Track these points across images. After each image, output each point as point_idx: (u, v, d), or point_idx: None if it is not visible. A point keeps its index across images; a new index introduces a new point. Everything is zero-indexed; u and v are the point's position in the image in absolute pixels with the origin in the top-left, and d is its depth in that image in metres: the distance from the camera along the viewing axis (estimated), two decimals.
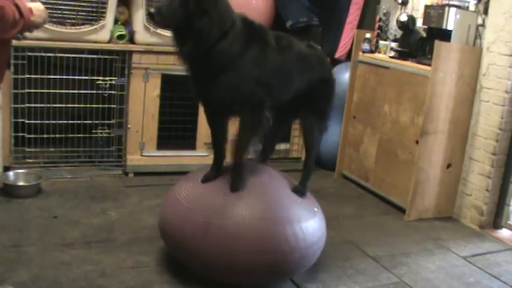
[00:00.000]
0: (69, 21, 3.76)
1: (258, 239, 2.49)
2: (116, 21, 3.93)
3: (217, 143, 2.78)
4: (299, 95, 2.78)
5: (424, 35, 4.03)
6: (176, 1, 2.33)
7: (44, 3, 3.56)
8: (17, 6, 1.94)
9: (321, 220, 2.79)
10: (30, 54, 3.71)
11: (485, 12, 3.75)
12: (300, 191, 2.79)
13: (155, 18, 2.38)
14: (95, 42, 3.85)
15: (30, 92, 3.79)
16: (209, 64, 2.46)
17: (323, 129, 3.00)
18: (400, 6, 4.40)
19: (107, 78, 3.95)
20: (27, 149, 3.87)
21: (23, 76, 3.72)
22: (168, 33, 3.18)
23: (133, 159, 4.14)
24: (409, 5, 4.34)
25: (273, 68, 2.58)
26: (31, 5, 2.04)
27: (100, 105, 4.00)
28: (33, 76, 3.76)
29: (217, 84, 2.49)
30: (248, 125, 2.60)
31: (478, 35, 3.82)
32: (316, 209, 2.79)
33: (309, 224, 2.64)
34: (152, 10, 2.36)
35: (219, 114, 2.69)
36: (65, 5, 3.71)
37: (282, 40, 2.68)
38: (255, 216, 2.52)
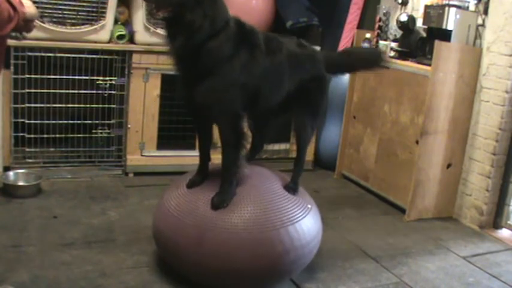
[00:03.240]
0: (69, 21, 3.76)
1: (252, 245, 2.47)
2: (116, 21, 3.92)
3: (202, 147, 2.75)
4: (291, 94, 2.74)
5: (424, 35, 4.03)
6: None
7: (44, 3, 3.63)
8: (9, 2, 1.94)
9: (315, 216, 2.76)
10: (30, 54, 3.71)
11: (485, 12, 3.75)
12: (292, 188, 2.77)
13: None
14: (95, 42, 3.86)
15: (30, 92, 3.79)
16: (197, 64, 2.42)
17: (315, 127, 2.99)
18: (400, 6, 4.40)
19: (107, 78, 3.96)
20: (27, 149, 3.87)
21: (23, 76, 3.72)
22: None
23: (133, 159, 4.14)
24: (409, 5, 4.34)
25: (262, 73, 2.54)
26: None
27: (100, 105, 4.01)
28: (33, 76, 3.76)
29: (201, 87, 2.44)
30: (227, 138, 2.55)
31: (478, 35, 3.82)
32: (309, 206, 2.76)
33: (303, 223, 2.62)
34: None
35: (203, 118, 2.66)
36: (65, 5, 3.71)
37: (272, 42, 2.64)
38: (248, 222, 2.49)
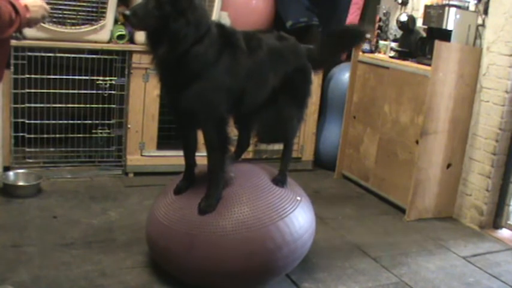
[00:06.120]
0: (69, 21, 3.76)
1: (242, 245, 2.47)
2: (116, 21, 3.93)
3: (187, 152, 2.75)
4: (275, 88, 2.73)
5: (424, 35, 4.03)
6: (151, 3, 2.28)
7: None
8: (12, 5, 1.94)
9: (306, 208, 2.73)
10: (30, 54, 3.71)
11: (485, 12, 3.75)
12: (280, 181, 2.76)
13: (131, 21, 2.32)
14: (95, 42, 3.85)
15: (30, 92, 3.79)
16: (182, 70, 2.41)
17: (301, 118, 2.98)
18: (400, 6, 4.41)
19: (107, 78, 3.96)
20: (27, 149, 3.87)
21: (23, 76, 3.72)
22: None
23: (133, 159, 4.14)
24: (409, 5, 4.34)
25: (245, 73, 2.55)
26: (27, 1, 2.04)
27: (100, 105, 4.01)
28: (33, 76, 3.76)
29: (187, 93, 2.44)
30: (212, 142, 2.55)
31: (478, 35, 3.82)
32: (298, 198, 2.73)
33: (293, 216, 2.60)
34: (127, 12, 2.30)
35: (188, 123, 2.65)
36: (65, 5, 3.71)
37: (252, 41, 2.63)
38: (236, 223, 2.49)
